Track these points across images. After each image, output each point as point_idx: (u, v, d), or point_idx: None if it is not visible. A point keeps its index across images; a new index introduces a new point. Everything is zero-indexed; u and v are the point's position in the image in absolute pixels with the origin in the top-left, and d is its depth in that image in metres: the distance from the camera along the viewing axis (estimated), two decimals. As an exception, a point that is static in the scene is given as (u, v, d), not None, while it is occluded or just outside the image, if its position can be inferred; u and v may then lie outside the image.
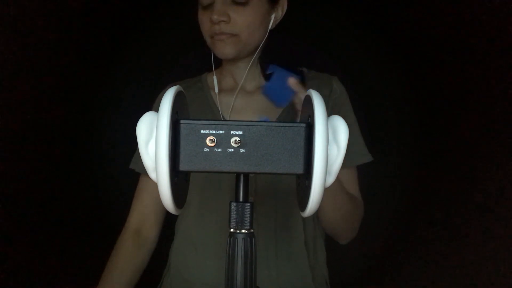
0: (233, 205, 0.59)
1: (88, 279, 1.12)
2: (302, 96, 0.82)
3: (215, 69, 1.07)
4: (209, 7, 0.94)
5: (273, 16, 0.99)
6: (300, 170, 0.55)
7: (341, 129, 0.57)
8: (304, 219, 1.03)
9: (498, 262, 0.99)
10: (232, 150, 0.55)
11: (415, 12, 1.30)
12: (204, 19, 0.96)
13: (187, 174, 0.68)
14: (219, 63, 1.07)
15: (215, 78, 1.04)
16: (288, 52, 1.07)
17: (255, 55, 1.01)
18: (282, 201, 1.01)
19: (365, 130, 1.05)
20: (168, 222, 1.08)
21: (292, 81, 0.84)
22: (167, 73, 1.32)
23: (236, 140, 0.54)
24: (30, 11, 1.00)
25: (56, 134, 1.20)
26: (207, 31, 0.96)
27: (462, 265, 1.12)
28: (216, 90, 1.04)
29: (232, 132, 0.55)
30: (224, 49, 0.95)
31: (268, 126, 0.55)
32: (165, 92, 1.12)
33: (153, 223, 1.05)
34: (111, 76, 1.50)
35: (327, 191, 0.85)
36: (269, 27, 1.00)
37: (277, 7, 1.00)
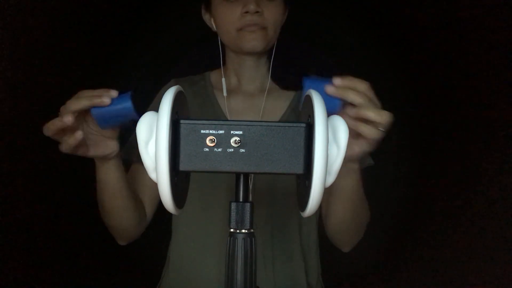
0: (233, 205, 0.59)
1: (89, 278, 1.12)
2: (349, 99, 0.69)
3: (218, 69, 1.07)
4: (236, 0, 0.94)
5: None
6: (300, 170, 0.55)
7: (341, 129, 0.57)
8: (300, 221, 1.03)
9: (500, 263, 0.99)
10: (232, 150, 0.55)
11: (417, 13, 1.30)
12: (231, 11, 0.94)
13: (187, 174, 0.68)
14: (222, 62, 1.06)
15: (223, 80, 1.04)
16: (294, 56, 1.08)
17: (266, 56, 1.02)
18: (279, 202, 1.01)
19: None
20: (168, 221, 1.08)
21: (330, 89, 0.70)
22: (170, 69, 1.32)
23: (236, 140, 0.54)
24: (31, 5, 1.00)
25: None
26: (234, 23, 0.94)
27: (462, 265, 1.12)
28: (225, 93, 1.03)
29: (232, 132, 0.55)
30: (255, 41, 0.94)
31: (268, 126, 0.55)
32: (166, 89, 1.11)
33: (149, 205, 1.03)
34: (113, 72, 1.50)
35: (345, 187, 0.85)
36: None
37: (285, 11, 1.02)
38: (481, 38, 1.05)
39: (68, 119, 0.72)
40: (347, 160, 0.77)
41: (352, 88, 0.69)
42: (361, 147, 0.74)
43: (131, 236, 1.01)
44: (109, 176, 0.87)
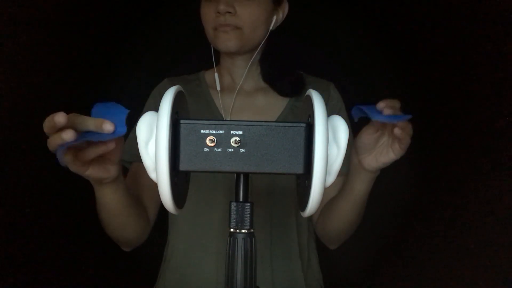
0: (233, 205, 0.59)
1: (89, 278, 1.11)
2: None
3: (212, 68, 1.07)
4: None
5: (274, 17, 1.00)
6: (300, 170, 0.55)
7: (341, 129, 0.58)
8: (298, 221, 1.03)
9: (499, 264, 0.99)
10: (232, 150, 0.55)
11: (418, 14, 1.30)
12: (208, 11, 0.96)
13: (187, 174, 0.68)
14: (217, 61, 1.06)
15: (216, 75, 1.04)
16: (287, 55, 1.08)
17: (255, 54, 1.02)
18: (278, 202, 1.01)
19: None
20: (164, 220, 1.08)
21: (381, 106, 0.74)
22: (167, 70, 1.31)
23: (236, 140, 0.54)
24: (31, 4, 0.99)
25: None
26: (210, 22, 0.96)
27: (462, 265, 1.13)
28: (218, 88, 1.04)
29: (232, 132, 0.55)
30: (227, 41, 0.95)
31: (268, 126, 0.55)
32: (160, 88, 1.09)
33: (152, 207, 1.00)
34: (111, 72, 1.50)
35: (361, 191, 0.86)
36: (270, 28, 1.00)
37: (279, 9, 1.01)
38: (484, 38, 1.05)
39: (60, 119, 0.59)
40: (379, 167, 0.82)
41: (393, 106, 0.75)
42: (396, 153, 0.78)
43: (135, 243, 0.99)
44: (107, 198, 0.80)
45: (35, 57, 1.08)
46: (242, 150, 0.55)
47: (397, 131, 0.74)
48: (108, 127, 0.60)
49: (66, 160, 0.66)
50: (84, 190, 0.86)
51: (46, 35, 1.11)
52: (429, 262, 1.26)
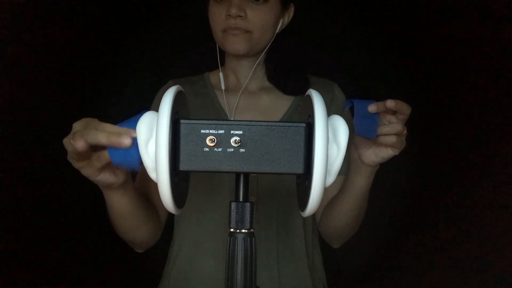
0: (233, 205, 0.59)
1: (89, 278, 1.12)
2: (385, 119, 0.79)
3: (216, 69, 1.07)
4: (224, 1, 0.95)
5: (281, 21, 1.00)
6: (300, 170, 0.55)
7: (341, 128, 0.57)
8: (304, 220, 1.03)
9: (499, 262, 0.99)
10: (232, 149, 0.55)
11: (419, 15, 1.30)
12: (217, 12, 0.95)
13: (187, 174, 0.68)
14: (222, 62, 1.07)
15: (221, 74, 1.04)
16: (292, 55, 1.08)
17: (261, 56, 1.02)
18: (283, 201, 1.01)
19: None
20: (170, 220, 1.08)
21: (372, 108, 0.78)
22: (169, 70, 1.32)
23: (236, 139, 0.54)
24: (33, 5, 0.99)
25: (59, 130, 1.20)
26: (219, 25, 0.95)
27: (463, 264, 1.12)
28: (223, 87, 1.04)
29: (232, 131, 0.55)
30: (236, 44, 0.95)
31: (268, 125, 0.55)
32: (165, 90, 1.11)
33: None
34: (113, 73, 1.50)
35: (362, 186, 0.87)
36: (277, 31, 1.00)
37: (286, 12, 1.02)
38: (487, 40, 1.05)
39: (82, 145, 0.63)
40: (379, 162, 0.82)
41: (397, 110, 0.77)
42: (394, 151, 0.81)
43: (148, 244, 0.99)
44: (116, 202, 0.81)
45: (36, 57, 1.09)
46: (242, 150, 0.55)
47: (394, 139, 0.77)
48: (125, 141, 0.60)
49: (81, 164, 0.67)
50: (90, 190, 0.87)
51: (48, 36, 1.11)
52: (432, 262, 1.26)
